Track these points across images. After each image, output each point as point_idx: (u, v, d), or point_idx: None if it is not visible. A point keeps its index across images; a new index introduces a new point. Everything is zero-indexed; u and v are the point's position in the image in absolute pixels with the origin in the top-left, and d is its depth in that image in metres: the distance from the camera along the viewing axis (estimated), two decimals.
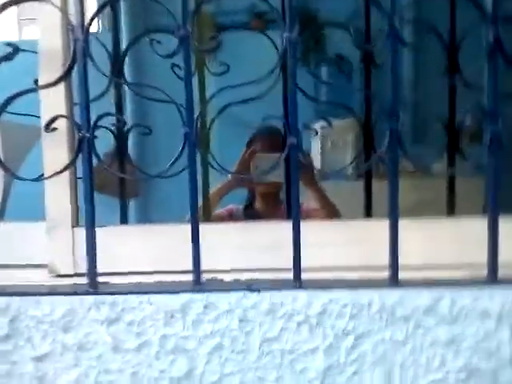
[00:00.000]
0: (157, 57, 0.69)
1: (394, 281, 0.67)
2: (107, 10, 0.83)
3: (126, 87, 0.94)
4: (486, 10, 0.62)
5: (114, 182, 0.98)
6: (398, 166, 0.65)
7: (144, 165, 0.74)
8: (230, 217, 1.56)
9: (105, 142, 0.78)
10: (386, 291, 0.66)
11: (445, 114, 0.81)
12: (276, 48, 0.69)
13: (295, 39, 0.64)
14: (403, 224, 0.68)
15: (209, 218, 1.11)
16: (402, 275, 0.67)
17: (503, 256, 0.68)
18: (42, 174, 0.76)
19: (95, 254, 0.68)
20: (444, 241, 0.73)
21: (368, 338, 0.65)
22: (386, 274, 0.68)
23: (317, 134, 0.76)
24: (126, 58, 0.72)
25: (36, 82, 0.84)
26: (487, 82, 0.63)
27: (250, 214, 1.55)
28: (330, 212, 1.42)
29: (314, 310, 0.65)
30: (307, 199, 1.45)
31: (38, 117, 0.87)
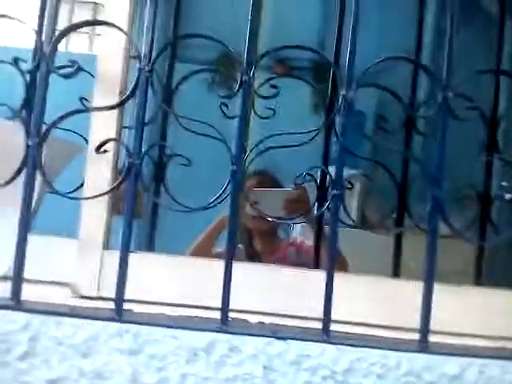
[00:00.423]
0: (194, 96, 0.71)
1: (423, 345, 0.66)
2: None
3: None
4: None
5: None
6: (437, 233, 0.66)
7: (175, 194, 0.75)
8: None
9: None
10: (414, 355, 0.65)
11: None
12: (323, 103, 0.71)
13: (351, 98, 0.66)
14: (434, 289, 0.68)
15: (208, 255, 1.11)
16: (431, 339, 0.67)
17: None
18: (80, 186, 0.77)
19: (125, 280, 0.67)
20: (473, 309, 0.73)
21: None
22: (414, 335, 0.67)
23: (352, 187, 0.77)
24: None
25: (81, 99, 0.85)
26: None
27: (249, 252, 1.54)
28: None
29: (341, 366, 0.64)
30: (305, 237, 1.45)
31: (79, 134, 0.88)
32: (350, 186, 0.76)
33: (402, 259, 0.92)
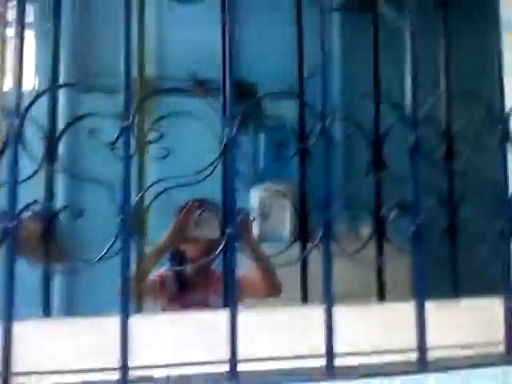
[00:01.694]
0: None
1: (330, 368, 0.66)
2: None
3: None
4: (405, 114, 0.69)
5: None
6: (330, 253, 0.67)
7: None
8: (162, 284, 1.50)
9: None
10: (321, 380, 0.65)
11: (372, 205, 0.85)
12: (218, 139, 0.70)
13: (235, 138, 0.66)
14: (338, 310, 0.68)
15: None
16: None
17: None
18: None
19: (11, 357, 0.61)
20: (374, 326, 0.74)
21: None
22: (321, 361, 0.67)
23: (267, 217, 0.77)
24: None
25: None
26: (410, 177, 0.68)
27: (182, 282, 1.50)
28: (267, 272, 1.41)
29: None
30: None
31: None
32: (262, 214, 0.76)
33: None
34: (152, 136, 0.70)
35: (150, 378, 0.66)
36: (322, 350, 0.67)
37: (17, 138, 0.64)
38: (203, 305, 1.49)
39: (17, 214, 0.62)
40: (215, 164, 0.71)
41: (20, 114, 0.64)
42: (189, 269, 1.52)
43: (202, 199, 1.51)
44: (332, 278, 0.67)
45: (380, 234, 0.78)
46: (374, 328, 0.74)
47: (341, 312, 0.68)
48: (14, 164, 0.64)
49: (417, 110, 0.69)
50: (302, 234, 0.79)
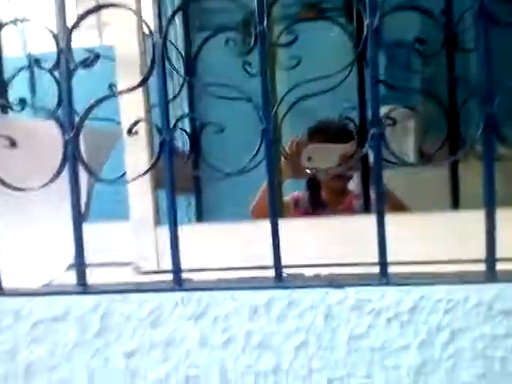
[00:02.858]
0: (221, 54, 0.69)
1: (491, 275, 0.62)
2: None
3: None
4: None
5: (180, 178, 0.99)
6: (494, 155, 0.61)
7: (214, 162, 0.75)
8: (296, 204, 1.55)
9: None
10: (482, 285, 0.62)
11: None
12: (349, 38, 0.67)
13: (377, 27, 0.61)
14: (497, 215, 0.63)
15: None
16: (498, 267, 0.63)
17: None
18: (123, 174, 0.79)
19: (179, 252, 0.69)
20: None
21: (465, 334, 0.61)
22: (481, 267, 0.64)
23: (395, 123, 0.72)
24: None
25: (110, 86, 0.87)
26: None
27: (315, 202, 1.53)
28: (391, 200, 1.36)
29: (405, 306, 0.62)
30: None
31: (113, 120, 0.90)
32: (390, 122, 0.71)
33: (465, 189, 0.86)
34: (283, 40, 0.68)
35: (301, 276, 0.69)
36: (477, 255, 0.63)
37: (163, 55, 0.67)
38: None
39: (172, 127, 0.67)
40: (352, 65, 0.67)
41: (162, 31, 0.67)
42: (322, 189, 1.52)
43: (325, 121, 1.47)
44: (494, 177, 0.62)
45: None
46: None
47: (499, 216, 0.63)
48: (163, 81, 0.68)
49: None
50: (451, 134, 0.72)
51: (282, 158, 1.32)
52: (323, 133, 1.42)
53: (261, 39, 0.64)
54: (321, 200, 1.52)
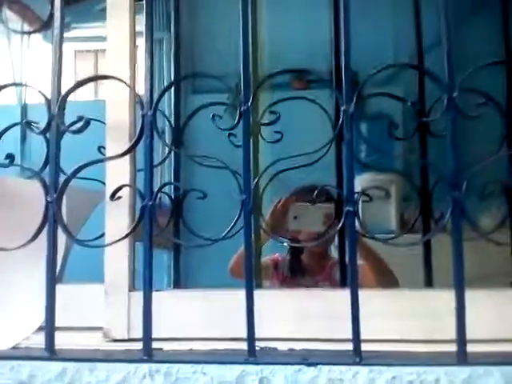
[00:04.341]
0: (208, 125, 0.72)
1: (462, 357, 0.63)
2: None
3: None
4: None
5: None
6: (462, 238, 0.63)
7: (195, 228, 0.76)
8: (275, 267, 1.54)
9: None
10: (453, 368, 0.62)
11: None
12: (330, 120, 0.71)
13: (352, 112, 0.65)
14: (468, 295, 0.64)
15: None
16: (469, 349, 0.63)
17: None
18: (102, 235, 0.79)
19: (151, 322, 0.68)
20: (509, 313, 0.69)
21: None
22: (452, 348, 0.64)
23: (371, 200, 0.75)
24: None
25: (99, 148, 0.89)
26: None
27: (295, 267, 1.52)
28: (380, 266, 1.36)
29: None
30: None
31: (99, 181, 0.92)
32: (367, 198, 0.74)
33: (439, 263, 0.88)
34: (267, 120, 0.72)
35: (275, 350, 0.69)
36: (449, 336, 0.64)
37: (151, 127, 0.70)
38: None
39: (154, 194, 0.68)
40: (329, 146, 0.71)
41: (153, 105, 0.70)
42: (303, 254, 1.52)
43: (308, 185, 1.51)
44: (463, 261, 0.63)
45: None
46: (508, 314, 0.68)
47: (470, 297, 0.64)
48: (150, 150, 0.70)
49: None
50: (424, 213, 0.75)
51: (265, 219, 1.34)
52: (307, 194, 1.44)
53: (244, 118, 0.67)
54: (301, 265, 1.52)
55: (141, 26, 0.76)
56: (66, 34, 0.76)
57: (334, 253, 1.56)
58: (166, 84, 3.14)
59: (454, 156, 0.64)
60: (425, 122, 0.70)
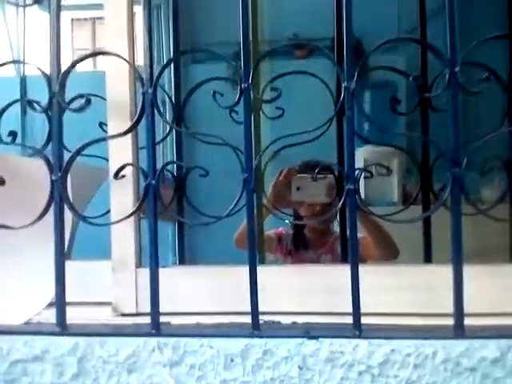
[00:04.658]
0: (209, 100, 0.72)
1: (459, 331, 0.65)
2: None
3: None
4: None
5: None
6: (461, 213, 0.64)
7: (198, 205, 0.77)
8: (279, 240, 1.57)
9: None
10: (450, 341, 0.64)
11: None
12: (331, 95, 0.70)
13: (354, 88, 0.65)
14: (466, 270, 0.66)
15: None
16: (466, 322, 0.65)
17: None
18: (107, 212, 0.80)
19: (158, 297, 0.70)
20: (508, 287, 0.70)
21: None
22: (449, 321, 0.66)
23: (372, 176, 0.76)
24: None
25: (100, 125, 0.89)
26: None
27: (298, 241, 1.55)
28: (383, 239, 1.37)
29: (376, 360, 0.64)
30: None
31: (102, 158, 0.92)
32: (368, 175, 0.75)
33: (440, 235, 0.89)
34: (268, 95, 0.71)
35: (278, 324, 0.71)
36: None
37: (152, 104, 0.70)
38: (316, 263, 1.53)
39: (158, 172, 0.69)
40: (329, 123, 0.70)
41: (153, 82, 0.70)
42: (306, 228, 1.55)
43: (311, 161, 1.52)
44: (461, 237, 0.65)
45: None
46: (507, 289, 0.70)
47: (468, 272, 0.66)
48: (152, 128, 0.70)
49: None
50: (425, 190, 0.76)
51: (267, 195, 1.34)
52: (308, 169, 1.45)
53: (245, 96, 0.67)
54: (304, 239, 1.54)
55: None
56: (62, 2, 0.75)
57: (337, 227, 1.57)
58: (165, 50, 3.08)
59: (455, 133, 0.64)
60: (427, 98, 0.70)
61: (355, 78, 0.65)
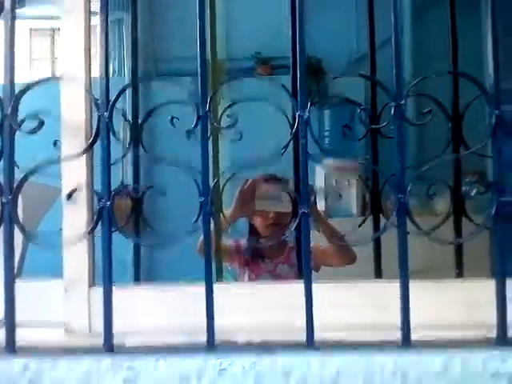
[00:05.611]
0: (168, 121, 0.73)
1: (406, 344, 0.68)
2: None
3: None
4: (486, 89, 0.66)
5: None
6: (406, 236, 0.68)
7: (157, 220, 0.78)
8: (238, 251, 1.58)
9: None
10: (398, 354, 0.67)
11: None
12: (289, 122, 0.72)
13: (307, 117, 0.67)
14: (414, 285, 0.69)
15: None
16: (414, 336, 0.68)
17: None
18: (59, 230, 0.79)
19: (111, 317, 0.70)
20: (453, 302, 0.75)
21: None
22: (398, 334, 0.69)
23: (326, 199, 0.79)
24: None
25: (55, 143, 0.87)
26: (491, 154, 0.66)
27: (255, 251, 1.56)
28: (338, 244, 1.41)
29: (328, 374, 0.66)
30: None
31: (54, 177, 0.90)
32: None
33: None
34: (225, 121, 0.73)
35: (234, 343, 0.72)
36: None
37: (108, 128, 0.70)
38: (273, 273, 1.55)
39: (112, 195, 0.69)
40: (286, 148, 0.73)
41: (109, 105, 0.70)
42: (262, 242, 1.57)
43: (270, 175, 1.56)
44: (407, 256, 0.68)
45: (459, 211, 0.77)
46: (452, 304, 0.74)
47: (416, 288, 0.70)
48: (107, 151, 0.70)
49: (498, 85, 0.65)
50: (375, 210, 0.79)
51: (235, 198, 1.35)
52: (273, 180, 1.48)
53: (202, 123, 0.68)
54: (260, 250, 1.57)
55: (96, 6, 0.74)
56: (20, 11, 0.74)
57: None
58: (127, 63, 3.05)
59: (400, 161, 0.67)
60: (375, 129, 0.74)
61: (308, 108, 0.67)
